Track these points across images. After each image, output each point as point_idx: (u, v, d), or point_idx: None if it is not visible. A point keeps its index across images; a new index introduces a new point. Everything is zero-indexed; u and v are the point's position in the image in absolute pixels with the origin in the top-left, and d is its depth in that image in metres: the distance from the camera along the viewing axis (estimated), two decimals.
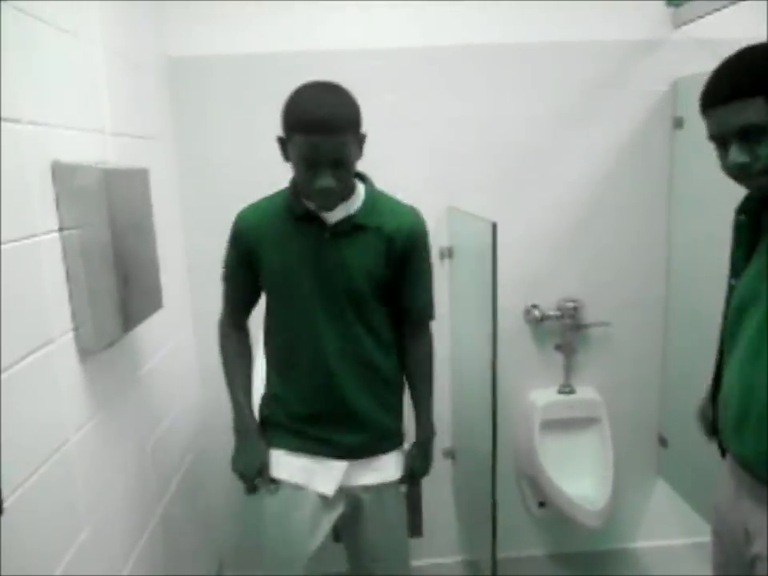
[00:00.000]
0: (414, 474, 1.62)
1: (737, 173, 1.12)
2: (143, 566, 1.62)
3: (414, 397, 1.61)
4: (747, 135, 1.07)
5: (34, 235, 1.16)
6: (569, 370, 2.35)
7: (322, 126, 1.27)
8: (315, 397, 1.51)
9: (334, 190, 1.34)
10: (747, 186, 1.16)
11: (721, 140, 1.13)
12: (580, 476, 2.26)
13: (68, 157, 1.29)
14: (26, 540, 1.08)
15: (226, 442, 2.28)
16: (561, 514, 2.21)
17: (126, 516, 1.55)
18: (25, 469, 1.10)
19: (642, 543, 2.56)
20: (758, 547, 1.18)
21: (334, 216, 1.43)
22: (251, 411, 1.59)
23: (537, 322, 2.32)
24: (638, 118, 2.23)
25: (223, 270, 1.56)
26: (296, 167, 1.35)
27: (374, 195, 1.49)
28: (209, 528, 2.33)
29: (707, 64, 1.94)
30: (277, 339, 1.55)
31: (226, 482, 2.37)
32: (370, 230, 1.44)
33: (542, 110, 2.21)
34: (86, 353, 1.33)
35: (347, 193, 1.42)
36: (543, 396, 2.35)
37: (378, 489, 1.58)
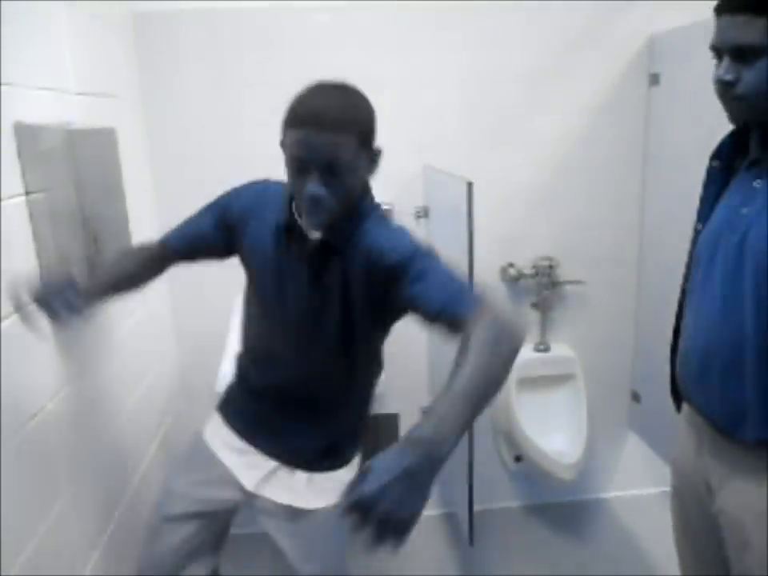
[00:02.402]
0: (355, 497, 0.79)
1: (719, 89, 1.10)
2: (122, 530, 1.63)
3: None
4: (741, 54, 1.04)
5: None
6: (544, 327, 2.38)
7: (315, 119, 1.08)
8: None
9: (323, 202, 1.11)
10: (724, 107, 1.12)
11: (718, 52, 1.09)
12: (555, 431, 2.31)
13: (31, 118, 1.25)
14: (1, 510, 1.08)
15: (205, 403, 2.30)
16: (536, 467, 2.27)
17: (104, 481, 1.55)
18: None
19: (614, 493, 2.64)
20: (720, 501, 1.20)
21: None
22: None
23: (513, 280, 2.33)
24: (613, 74, 2.21)
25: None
26: (288, 172, 1.15)
27: (366, 216, 1.22)
28: None
29: (683, 19, 1.94)
30: (249, 324, 1.39)
31: None
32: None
33: (517, 67, 2.18)
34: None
35: (340, 215, 1.16)
36: (519, 354, 2.37)
37: (292, 513, 1.37)
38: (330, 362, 1.29)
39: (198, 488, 1.39)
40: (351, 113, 1.11)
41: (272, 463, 1.38)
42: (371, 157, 1.19)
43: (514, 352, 1.00)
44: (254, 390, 1.39)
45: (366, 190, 1.24)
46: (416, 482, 0.79)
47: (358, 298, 1.20)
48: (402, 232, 1.21)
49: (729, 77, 1.06)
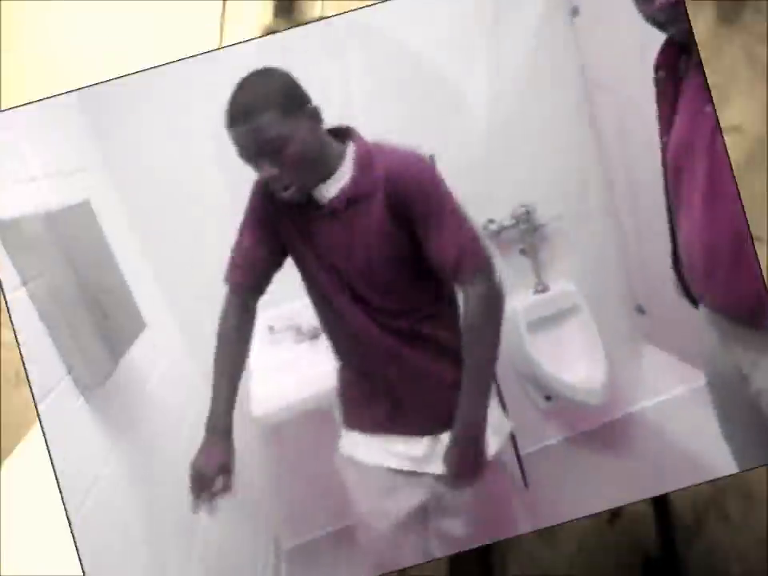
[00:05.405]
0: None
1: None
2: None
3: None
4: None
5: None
6: (538, 269, 2.44)
7: (237, 114, 1.17)
8: None
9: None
10: None
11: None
12: (575, 362, 2.37)
13: (6, 213, 1.28)
14: None
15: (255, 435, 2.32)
16: (567, 401, 2.34)
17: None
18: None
19: (644, 403, 2.66)
20: (757, 383, 1.17)
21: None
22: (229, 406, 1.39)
23: (496, 234, 2.38)
24: (535, 13, 2.25)
25: None
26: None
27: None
28: (260, 513, 2.39)
29: None
30: None
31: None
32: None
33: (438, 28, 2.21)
34: (87, 390, 1.35)
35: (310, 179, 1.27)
36: (521, 299, 2.44)
37: None
38: None
39: None
40: (264, 94, 1.17)
41: None
42: (307, 117, 1.21)
43: None
44: None
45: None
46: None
47: None
48: None
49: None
